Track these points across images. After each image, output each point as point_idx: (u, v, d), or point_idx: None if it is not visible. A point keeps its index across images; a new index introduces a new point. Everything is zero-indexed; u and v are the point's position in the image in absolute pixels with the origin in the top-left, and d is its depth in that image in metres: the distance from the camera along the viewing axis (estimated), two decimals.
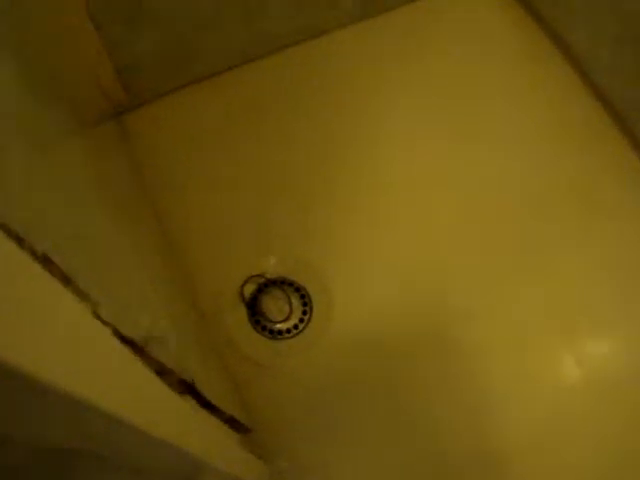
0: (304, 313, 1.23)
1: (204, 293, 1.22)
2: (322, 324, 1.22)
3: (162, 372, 0.51)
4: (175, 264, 1.21)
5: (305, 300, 1.23)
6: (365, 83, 1.40)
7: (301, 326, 1.22)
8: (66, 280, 0.35)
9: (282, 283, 1.24)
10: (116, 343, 0.38)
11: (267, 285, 1.24)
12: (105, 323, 0.38)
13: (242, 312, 1.22)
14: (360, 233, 1.28)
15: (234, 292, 1.23)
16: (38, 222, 0.37)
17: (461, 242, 1.26)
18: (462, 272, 1.24)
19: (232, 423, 0.90)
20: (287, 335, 1.21)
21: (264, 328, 1.21)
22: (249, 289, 1.24)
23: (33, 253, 0.32)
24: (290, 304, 1.22)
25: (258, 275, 1.24)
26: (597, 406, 1.15)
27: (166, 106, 1.37)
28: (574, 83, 1.38)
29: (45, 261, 0.33)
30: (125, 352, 0.39)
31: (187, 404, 0.56)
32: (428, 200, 1.30)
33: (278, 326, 1.21)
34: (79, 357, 0.32)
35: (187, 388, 0.60)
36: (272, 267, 1.25)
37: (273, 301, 1.23)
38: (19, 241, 0.31)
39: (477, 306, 1.22)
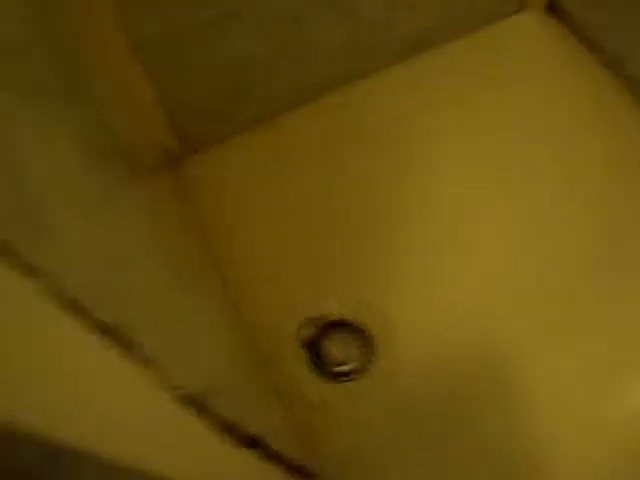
0: (367, 355, 1.20)
1: (264, 339, 1.21)
2: (385, 365, 1.19)
3: (225, 428, 0.49)
4: (234, 310, 1.20)
5: (368, 341, 1.21)
6: (416, 123, 1.38)
7: (364, 368, 1.19)
8: (128, 347, 0.34)
9: (343, 325, 1.22)
10: (178, 407, 0.37)
11: (328, 327, 1.22)
12: (167, 388, 0.37)
13: (302, 356, 1.20)
14: (420, 273, 1.25)
15: (293, 336, 1.21)
16: (100, 291, 0.37)
17: (524, 283, 1.22)
18: (527, 313, 1.20)
19: (298, 470, 0.88)
20: (350, 377, 1.18)
21: (326, 372, 1.19)
22: (309, 332, 1.22)
23: (95, 322, 0.31)
24: (353, 346, 1.20)
25: (318, 317, 1.22)
26: None
27: (221, 152, 1.39)
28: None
29: (105, 329, 0.32)
30: (187, 416, 0.38)
31: (253, 458, 0.55)
32: (486, 243, 1.26)
33: (340, 368, 1.19)
34: (145, 429, 0.31)
35: (252, 442, 0.58)
36: (333, 308, 1.23)
37: (334, 344, 1.21)
38: (77, 309, 0.30)
39: (542, 350, 1.18)
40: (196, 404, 0.45)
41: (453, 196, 1.31)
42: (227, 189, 1.35)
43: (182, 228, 1.23)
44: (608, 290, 1.22)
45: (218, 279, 1.24)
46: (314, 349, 1.20)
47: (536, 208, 1.29)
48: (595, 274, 1.23)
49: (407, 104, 1.41)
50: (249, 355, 1.12)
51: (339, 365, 1.19)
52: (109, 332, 0.31)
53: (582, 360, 1.16)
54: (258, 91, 1.35)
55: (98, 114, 0.95)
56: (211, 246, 1.28)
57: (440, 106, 1.40)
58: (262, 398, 0.95)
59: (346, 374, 1.18)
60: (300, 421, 1.15)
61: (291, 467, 0.82)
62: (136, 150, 1.18)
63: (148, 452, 0.35)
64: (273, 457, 0.67)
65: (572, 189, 1.30)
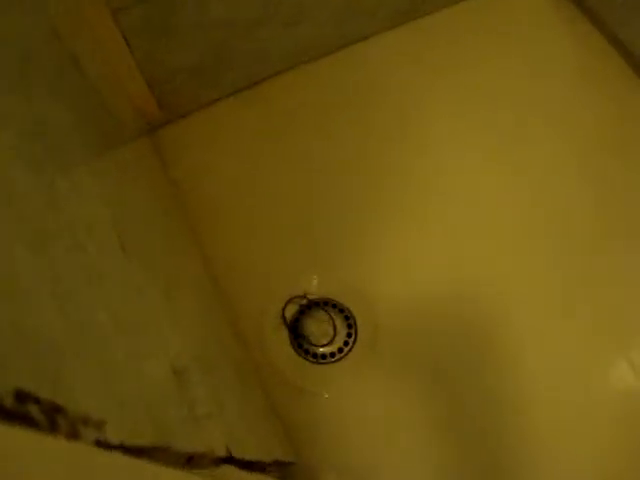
0: (349, 335, 1.17)
1: (245, 316, 1.17)
2: (367, 347, 1.17)
3: (190, 460, 0.46)
4: (214, 287, 1.17)
5: (350, 322, 1.18)
6: (409, 92, 1.33)
7: (346, 349, 1.16)
8: None
9: (325, 304, 1.19)
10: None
11: (310, 307, 1.19)
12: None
13: (284, 335, 1.17)
14: (407, 253, 1.22)
15: (276, 314, 1.18)
16: None
17: (514, 259, 1.19)
18: (515, 293, 1.18)
19: (274, 466, 0.86)
20: (331, 359, 1.16)
21: (307, 352, 1.16)
22: (291, 310, 1.19)
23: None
24: (334, 326, 1.17)
25: (300, 296, 1.19)
26: None
27: (202, 119, 1.33)
28: (636, 90, 1.29)
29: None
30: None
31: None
32: (478, 220, 1.23)
33: (322, 350, 1.16)
34: None
35: (224, 460, 0.55)
36: (315, 287, 1.20)
37: (316, 323, 1.18)
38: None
39: (530, 324, 1.16)
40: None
41: (437, 167, 1.27)
42: (208, 159, 1.30)
43: (162, 198, 1.19)
44: (597, 272, 1.20)
45: (198, 253, 1.20)
46: (296, 329, 1.17)
47: (525, 179, 1.26)
48: (586, 255, 1.20)
49: (400, 71, 1.36)
50: (229, 335, 1.08)
51: (320, 346, 1.16)
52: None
53: (566, 340, 1.15)
54: (242, 57, 1.29)
55: (73, 70, 0.91)
56: (192, 221, 1.24)
57: (434, 74, 1.35)
58: (241, 387, 0.92)
59: (328, 355, 1.16)
60: (279, 402, 1.12)
61: (269, 465, 0.80)
62: (114, 114, 1.12)
63: None
64: (247, 466, 0.64)
65: (566, 159, 1.26)
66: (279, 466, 0.90)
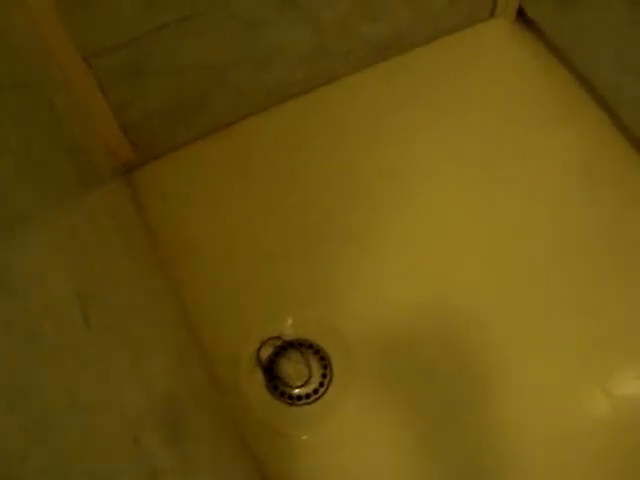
0: (324, 376, 1.17)
1: (220, 360, 1.17)
2: (343, 387, 1.17)
3: None
4: (188, 333, 1.17)
5: (325, 362, 1.18)
6: (382, 128, 1.34)
7: (321, 390, 1.17)
8: None
9: (300, 345, 1.19)
10: None
11: (285, 348, 1.19)
12: None
13: (259, 377, 1.17)
14: (381, 289, 1.22)
15: (251, 356, 1.18)
16: None
17: (490, 291, 1.21)
18: (495, 321, 1.18)
19: None
20: (307, 400, 1.16)
21: (283, 394, 1.16)
22: (266, 352, 1.19)
23: None
24: (309, 367, 1.18)
25: (275, 337, 1.19)
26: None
27: (177, 160, 1.34)
28: (601, 122, 1.32)
29: None
30: None
31: None
32: (453, 252, 1.24)
33: (297, 391, 1.16)
34: None
35: None
36: (289, 328, 1.20)
37: (291, 364, 1.18)
38: None
39: (509, 354, 1.16)
40: None
41: (406, 202, 1.29)
42: (181, 200, 1.30)
43: (136, 239, 1.19)
44: (579, 304, 1.20)
45: (171, 294, 1.20)
46: (271, 370, 1.17)
47: (493, 206, 1.27)
48: (568, 286, 1.21)
49: (372, 109, 1.37)
50: (204, 382, 1.08)
51: (296, 387, 1.16)
52: None
53: (545, 369, 1.15)
54: (214, 100, 1.30)
55: (46, 117, 0.91)
56: (166, 264, 1.24)
57: (404, 111, 1.36)
58: (214, 432, 0.92)
59: (303, 397, 1.16)
60: (255, 445, 1.12)
61: None
62: (89, 158, 1.13)
63: None
64: None
65: (531, 189, 1.28)
66: None
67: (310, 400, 1.16)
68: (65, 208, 0.77)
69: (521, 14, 1.41)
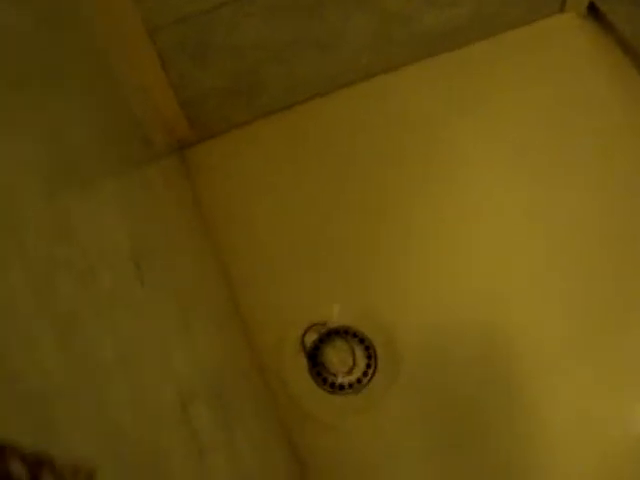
0: (368, 366, 1.15)
1: (264, 342, 1.16)
2: (387, 379, 1.14)
3: None
4: (235, 312, 1.16)
5: (370, 352, 1.16)
6: (439, 121, 1.31)
7: (365, 380, 1.14)
8: None
9: (346, 333, 1.17)
10: None
11: (330, 335, 1.17)
12: None
13: (302, 363, 1.15)
14: (430, 283, 1.19)
15: (295, 341, 1.16)
16: None
17: (540, 299, 1.16)
18: (540, 326, 1.14)
19: None
20: (349, 390, 1.14)
21: (325, 381, 1.14)
22: (310, 338, 1.17)
23: None
24: (354, 356, 1.15)
25: (320, 323, 1.17)
26: None
27: (232, 141, 1.33)
28: None
29: None
30: None
31: None
32: (505, 250, 1.20)
33: (340, 380, 1.14)
34: None
35: None
36: (336, 315, 1.18)
37: (335, 352, 1.16)
38: None
39: (555, 360, 1.13)
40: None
41: (461, 198, 1.25)
42: (234, 181, 1.29)
43: (187, 216, 1.18)
44: (620, 316, 1.16)
45: (219, 275, 1.19)
46: (315, 357, 1.15)
47: (553, 208, 1.23)
48: (609, 298, 1.17)
49: (430, 101, 1.34)
50: (247, 363, 1.07)
51: (339, 376, 1.14)
52: None
53: (586, 384, 1.11)
54: (275, 81, 1.29)
55: (110, 89, 0.91)
56: (217, 243, 1.23)
57: (464, 106, 1.32)
58: (255, 413, 0.90)
59: (346, 386, 1.14)
60: (294, 432, 1.10)
61: None
62: (146, 132, 1.13)
63: None
64: None
65: (600, 190, 1.24)
66: None
67: (353, 390, 1.14)
68: (125, 176, 0.77)
69: (592, 8, 1.35)
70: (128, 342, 0.43)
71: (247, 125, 1.33)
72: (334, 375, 1.14)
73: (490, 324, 1.16)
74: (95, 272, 0.42)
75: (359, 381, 1.14)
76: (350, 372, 1.15)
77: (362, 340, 1.16)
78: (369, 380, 1.14)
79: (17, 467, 0.22)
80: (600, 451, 1.07)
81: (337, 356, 1.16)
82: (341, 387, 1.14)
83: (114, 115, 0.89)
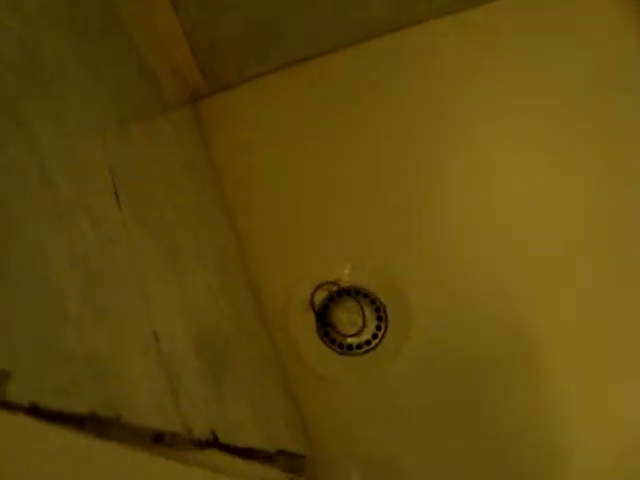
0: (378, 328, 1.11)
1: (271, 297, 1.12)
2: (397, 341, 1.10)
3: (159, 438, 0.41)
4: (241, 264, 1.12)
5: (380, 314, 1.12)
6: (459, 79, 1.25)
7: (374, 342, 1.10)
8: None
9: (357, 293, 1.13)
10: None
11: (340, 294, 1.13)
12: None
13: (311, 320, 1.11)
14: (445, 246, 1.14)
15: (303, 299, 1.12)
16: None
17: (559, 261, 1.11)
18: (558, 300, 1.09)
19: (281, 456, 0.80)
20: (357, 351, 1.10)
21: (333, 341, 1.10)
22: (320, 296, 1.13)
23: None
24: (364, 317, 1.11)
25: (331, 282, 1.13)
26: None
27: (246, 93, 1.28)
28: None
29: None
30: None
31: (198, 465, 0.46)
32: (521, 212, 1.15)
33: (349, 340, 1.10)
34: None
35: (207, 442, 0.50)
36: (347, 275, 1.14)
37: (345, 312, 1.12)
38: None
39: (572, 325, 1.08)
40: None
41: (477, 157, 1.19)
42: (247, 134, 1.25)
43: (198, 169, 1.15)
44: None
45: (226, 226, 1.15)
46: (324, 316, 1.11)
47: (575, 182, 1.17)
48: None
49: (453, 58, 1.27)
50: (250, 314, 1.03)
51: (348, 336, 1.10)
52: None
53: (608, 367, 1.07)
54: (291, 32, 1.23)
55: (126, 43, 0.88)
56: (226, 196, 1.19)
57: (486, 66, 1.26)
58: (256, 365, 0.87)
59: (355, 346, 1.10)
60: (298, 391, 1.07)
61: (272, 456, 0.75)
62: (157, 81, 1.09)
63: None
64: (242, 453, 0.59)
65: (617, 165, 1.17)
66: (287, 457, 0.85)
67: (361, 351, 1.10)
68: (135, 126, 0.74)
69: None
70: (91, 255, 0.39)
71: (261, 77, 1.28)
72: (343, 335, 1.10)
73: (504, 287, 1.12)
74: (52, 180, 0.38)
75: (368, 342, 1.10)
76: (359, 333, 1.11)
77: (373, 301, 1.12)
78: (378, 342, 1.10)
79: None
80: (615, 416, 1.03)
81: (347, 316, 1.12)
82: (349, 347, 1.10)
83: (124, 64, 0.86)
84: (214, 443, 0.51)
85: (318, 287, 1.13)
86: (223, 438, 0.51)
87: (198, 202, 1.02)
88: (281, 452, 0.80)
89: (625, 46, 1.23)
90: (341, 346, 1.10)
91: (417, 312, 1.11)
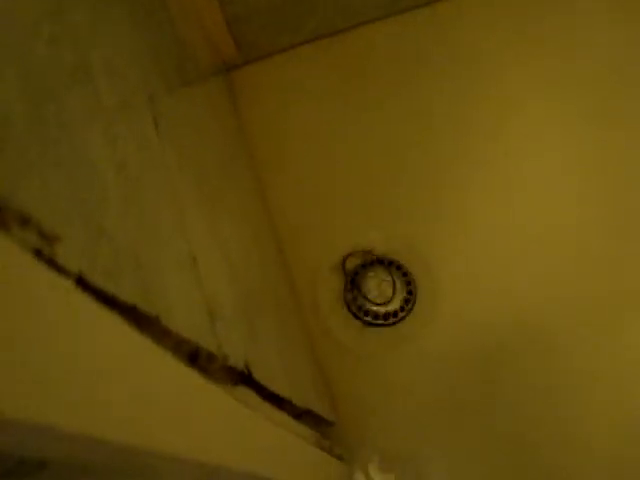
0: (406, 302, 1.10)
1: (300, 261, 1.12)
2: (425, 315, 1.09)
3: (194, 358, 0.40)
4: (270, 232, 1.12)
5: (410, 288, 1.10)
6: (495, 52, 1.23)
7: (401, 314, 1.09)
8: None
9: (390, 264, 1.12)
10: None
11: (372, 264, 1.12)
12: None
13: (340, 285, 1.10)
14: (481, 223, 1.13)
15: (332, 266, 1.12)
16: None
17: (591, 242, 1.09)
18: (587, 276, 1.08)
19: (309, 417, 0.80)
20: (384, 321, 1.09)
21: (360, 308, 1.09)
22: (352, 263, 1.12)
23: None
24: (394, 288, 1.10)
25: (365, 250, 1.12)
26: None
27: (279, 64, 1.27)
28: None
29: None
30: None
31: (239, 401, 0.46)
32: (559, 193, 1.13)
33: (376, 309, 1.09)
34: None
35: (241, 377, 0.50)
36: (378, 244, 1.13)
37: (376, 281, 1.11)
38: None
39: (597, 320, 1.06)
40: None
41: (530, 135, 1.18)
42: (281, 104, 1.25)
43: (230, 138, 1.15)
44: None
45: (256, 195, 1.15)
46: (353, 283, 1.10)
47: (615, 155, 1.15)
48: None
49: (490, 32, 1.26)
50: (277, 274, 1.03)
51: (376, 305, 1.09)
52: None
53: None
54: (326, 3, 1.22)
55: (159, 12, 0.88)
56: (257, 165, 1.19)
57: (528, 39, 1.24)
58: (279, 329, 0.86)
59: (381, 317, 1.09)
60: (325, 359, 1.07)
61: (301, 414, 0.74)
62: (190, 50, 1.09)
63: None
64: (272, 398, 0.59)
65: None
66: (315, 420, 0.85)
67: (388, 322, 1.09)
68: (166, 95, 0.74)
69: None
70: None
71: (294, 49, 1.28)
72: (371, 303, 1.09)
73: (539, 270, 1.10)
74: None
75: (395, 314, 1.09)
76: (388, 303, 1.10)
77: (405, 274, 1.11)
78: (406, 315, 1.09)
79: None
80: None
81: (377, 285, 1.11)
82: (376, 316, 1.09)
83: (158, 33, 0.85)
84: (248, 379, 0.51)
85: (351, 253, 1.12)
86: (257, 374, 0.51)
87: (231, 166, 1.02)
88: (309, 412, 0.80)
89: None
90: (367, 313, 1.09)
91: (446, 290, 1.10)
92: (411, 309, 1.09)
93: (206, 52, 1.20)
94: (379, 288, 1.10)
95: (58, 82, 0.33)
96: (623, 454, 1.01)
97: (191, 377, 0.37)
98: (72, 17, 0.42)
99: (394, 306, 1.09)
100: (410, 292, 1.11)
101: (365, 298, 1.09)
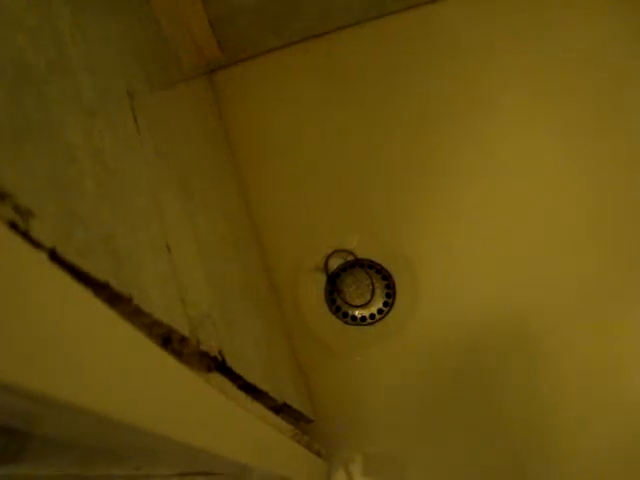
0: (385, 304, 1.11)
1: (281, 261, 1.13)
2: (403, 317, 1.10)
3: (167, 341, 0.42)
4: (251, 230, 1.13)
5: (389, 291, 1.12)
6: (478, 57, 1.25)
7: (379, 316, 1.11)
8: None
9: (370, 267, 1.13)
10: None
11: (353, 265, 1.13)
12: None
13: (319, 289, 1.12)
14: (458, 225, 1.15)
15: (313, 267, 1.13)
16: None
17: (571, 243, 1.11)
18: (564, 276, 1.09)
19: (288, 413, 0.81)
20: (362, 322, 1.10)
21: (338, 309, 1.11)
22: (333, 264, 1.14)
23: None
24: (373, 290, 1.12)
25: (346, 251, 1.13)
26: None
27: (262, 66, 1.29)
28: None
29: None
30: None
31: (213, 386, 0.47)
32: (543, 193, 1.15)
33: (356, 312, 1.11)
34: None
35: (215, 364, 0.51)
36: (358, 247, 1.14)
37: (356, 283, 1.13)
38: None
39: (575, 314, 1.08)
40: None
41: (509, 140, 1.19)
42: (262, 106, 1.26)
43: (211, 138, 1.16)
44: None
45: (239, 193, 1.16)
46: (334, 284, 1.12)
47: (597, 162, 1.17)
48: None
49: (469, 34, 1.27)
50: (258, 273, 1.04)
51: (356, 307, 1.11)
52: None
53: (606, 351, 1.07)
54: (311, 4, 1.24)
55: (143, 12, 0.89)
56: (240, 165, 1.20)
57: (513, 41, 1.26)
58: (261, 326, 0.88)
59: (359, 319, 1.10)
60: (303, 358, 1.08)
61: (279, 408, 0.75)
62: (174, 51, 1.10)
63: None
64: (248, 389, 0.60)
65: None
66: (295, 416, 0.86)
67: (365, 323, 1.10)
68: (150, 95, 0.75)
69: None
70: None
71: (278, 51, 1.29)
72: (351, 305, 1.11)
73: (521, 269, 1.12)
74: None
75: (372, 317, 1.11)
76: (367, 305, 1.11)
77: (385, 277, 1.13)
78: (383, 316, 1.11)
79: None
80: (617, 402, 1.03)
81: (357, 287, 1.12)
82: (353, 318, 1.10)
83: (141, 31, 0.87)
84: (222, 366, 0.52)
85: (332, 253, 1.13)
86: (231, 362, 0.52)
87: (212, 165, 1.03)
88: (288, 408, 0.81)
89: None
90: (345, 315, 1.10)
91: (425, 292, 1.11)
92: (390, 310, 1.11)
93: (190, 53, 1.21)
94: (358, 290, 1.11)
95: (37, 71, 0.34)
96: (612, 456, 1.02)
97: (163, 357, 0.38)
98: (55, 11, 0.44)
99: (374, 308, 1.10)
100: (389, 295, 1.12)
101: (344, 301, 1.10)
